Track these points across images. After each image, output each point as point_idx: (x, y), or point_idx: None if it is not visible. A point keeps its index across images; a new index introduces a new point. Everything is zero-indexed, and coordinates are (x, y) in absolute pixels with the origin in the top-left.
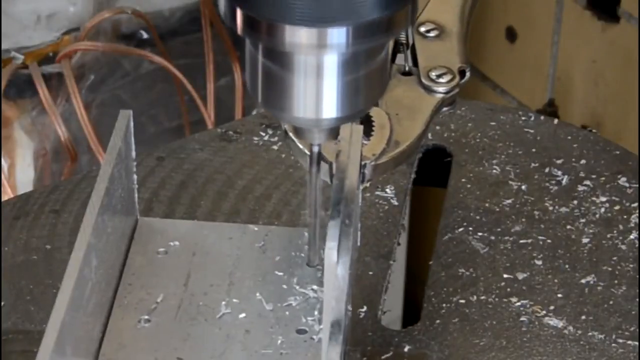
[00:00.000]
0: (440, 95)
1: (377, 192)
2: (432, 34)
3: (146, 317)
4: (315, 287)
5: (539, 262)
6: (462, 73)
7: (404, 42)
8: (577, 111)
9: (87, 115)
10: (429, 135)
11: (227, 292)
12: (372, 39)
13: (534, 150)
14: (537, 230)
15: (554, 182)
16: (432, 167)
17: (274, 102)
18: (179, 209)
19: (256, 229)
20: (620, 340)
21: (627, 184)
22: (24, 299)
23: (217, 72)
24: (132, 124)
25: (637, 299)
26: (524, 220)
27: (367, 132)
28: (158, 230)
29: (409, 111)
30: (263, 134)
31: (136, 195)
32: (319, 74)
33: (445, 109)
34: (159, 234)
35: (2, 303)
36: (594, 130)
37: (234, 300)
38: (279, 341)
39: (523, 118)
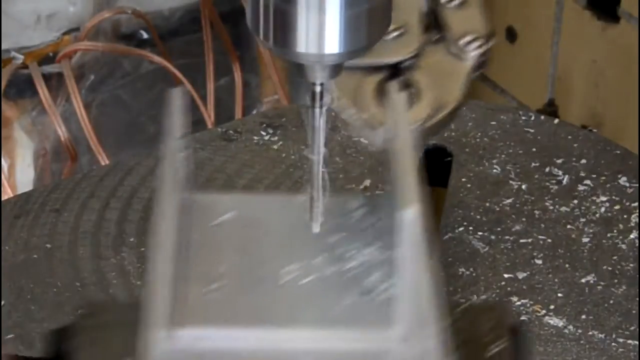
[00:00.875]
0: (471, 61)
1: (379, 192)
2: (454, 3)
3: (213, 287)
4: (370, 249)
5: (539, 262)
6: (488, 38)
7: (429, 12)
8: (577, 111)
9: (87, 115)
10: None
11: (286, 259)
12: None
13: (534, 149)
14: (538, 230)
15: (554, 181)
16: (432, 167)
17: (276, 38)
18: None
19: (303, 198)
20: (621, 340)
21: (627, 184)
22: (25, 298)
23: (217, 72)
24: (184, 101)
25: (637, 298)
26: (524, 219)
27: (411, 98)
28: (208, 204)
29: (445, 77)
30: (264, 133)
31: (188, 171)
32: (321, 7)
33: (476, 73)
34: (210, 208)
35: (3, 302)
36: (594, 130)
37: (294, 266)
38: (347, 302)
39: (523, 118)
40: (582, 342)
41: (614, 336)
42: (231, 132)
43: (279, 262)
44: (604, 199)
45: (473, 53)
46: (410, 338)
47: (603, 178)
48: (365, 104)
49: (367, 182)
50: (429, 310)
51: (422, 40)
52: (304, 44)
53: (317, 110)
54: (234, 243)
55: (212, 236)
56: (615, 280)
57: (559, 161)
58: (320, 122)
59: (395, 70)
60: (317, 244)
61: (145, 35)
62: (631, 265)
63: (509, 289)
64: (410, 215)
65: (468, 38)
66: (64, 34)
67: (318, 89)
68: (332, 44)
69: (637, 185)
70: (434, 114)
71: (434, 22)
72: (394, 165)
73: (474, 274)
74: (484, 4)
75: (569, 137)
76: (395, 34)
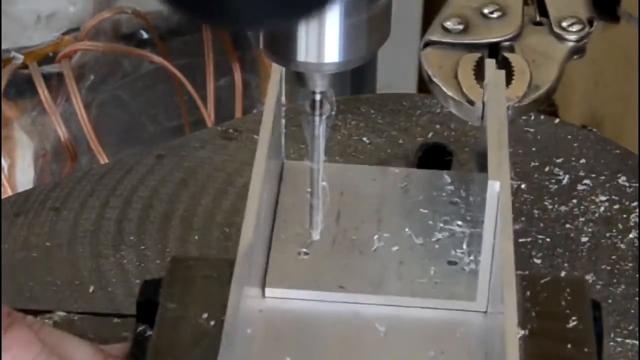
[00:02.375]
0: (572, 44)
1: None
2: None
3: (304, 250)
4: (459, 222)
5: (538, 261)
6: (590, 22)
7: None
8: (577, 111)
9: (87, 115)
10: (429, 134)
11: (378, 227)
12: None
13: (534, 149)
14: (537, 229)
15: (553, 181)
16: (432, 166)
17: (275, 47)
18: (179, 207)
19: (397, 171)
20: (619, 339)
21: (626, 183)
22: (24, 296)
23: (217, 72)
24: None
25: (637, 298)
26: (523, 219)
27: (508, 77)
28: (304, 172)
29: (544, 57)
30: None
31: (283, 139)
32: (321, 16)
33: (575, 56)
34: (306, 175)
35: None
36: (594, 130)
37: (385, 234)
38: (432, 271)
39: (523, 117)
40: None
41: (612, 335)
42: (231, 131)
43: (370, 230)
44: (603, 198)
45: (573, 36)
46: (490, 310)
47: (602, 178)
48: (463, 79)
49: None
50: (506, 283)
51: (523, 21)
52: (303, 53)
53: (317, 118)
54: (329, 208)
55: (308, 201)
56: (614, 280)
57: (559, 161)
58: (320, 130)
59: (495, 49)
60: (408, 214)
61: (145, 35)
62: (630, 264)
63: None
64: (497, 188)
65: (569, 21)
66: (64, 34)
67: (318, 97)
68: (332, 53)
69: (637, 185)
70: (529, 93)
71: (536, 4)
72: (488, 139)
73: None
74: None
75: (569, 137)
76: (497, 14)
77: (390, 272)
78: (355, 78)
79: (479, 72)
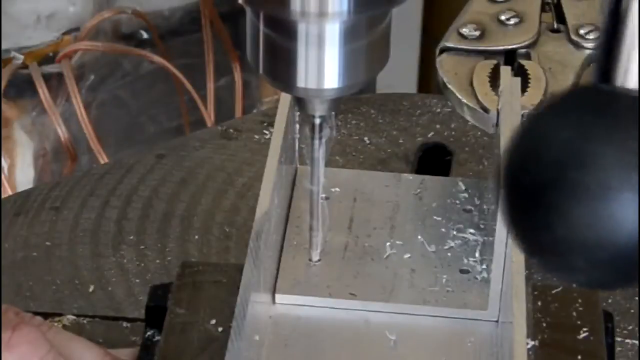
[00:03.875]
0: (589, 51)
1: None
2: None
3: (317, 256)
4: (472, 230)
5: None
6: None
7: (550, 1)
8: None
9: (87, 115)
10: (429, 134)
11: (390, 234)
12: (375, 7)
13: None
14: None
15: None
16: (432, 165)
17: (274, 72)
18: (179, 206)
19: (411, 177)
20: (619, 339)
21: None
22: (24, 295)
23: (217, 72)
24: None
25: (637, 298)
26: None
27: (524, 85)
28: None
29: (561, 65)
30: (265, 132)
31: (297, 144)
32: (320, 43)
33: (592, 64)
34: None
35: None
36: None
37: (398, 242)
38: (444, 280)
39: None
40: None
41: None
42: (231, 130)
43: (382, 237)
44: None
45: (591, 44)
46: (501, 320)
47: None
48: (479, 87)
49: None
50: (515, 293)
51: (540, 28)
52: (303, 79)
53: (317, 141)
54: (342, 215)
55: (320, 207)
56: None
57: None
58: (320, 153)
59: (511, 56)
60: (421, 221)
61: (145, 35)
62: None
63: None
64: None
65: (587, 28)
66: (64, 34)
67: (317, 121)
68: (331, 78)
69: None
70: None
71: (554, 11)
72: (502, 147)
73: None
74: None
75: None
76: (514, 21)
77: (402, 279)
78: None
79: (494, 80)
